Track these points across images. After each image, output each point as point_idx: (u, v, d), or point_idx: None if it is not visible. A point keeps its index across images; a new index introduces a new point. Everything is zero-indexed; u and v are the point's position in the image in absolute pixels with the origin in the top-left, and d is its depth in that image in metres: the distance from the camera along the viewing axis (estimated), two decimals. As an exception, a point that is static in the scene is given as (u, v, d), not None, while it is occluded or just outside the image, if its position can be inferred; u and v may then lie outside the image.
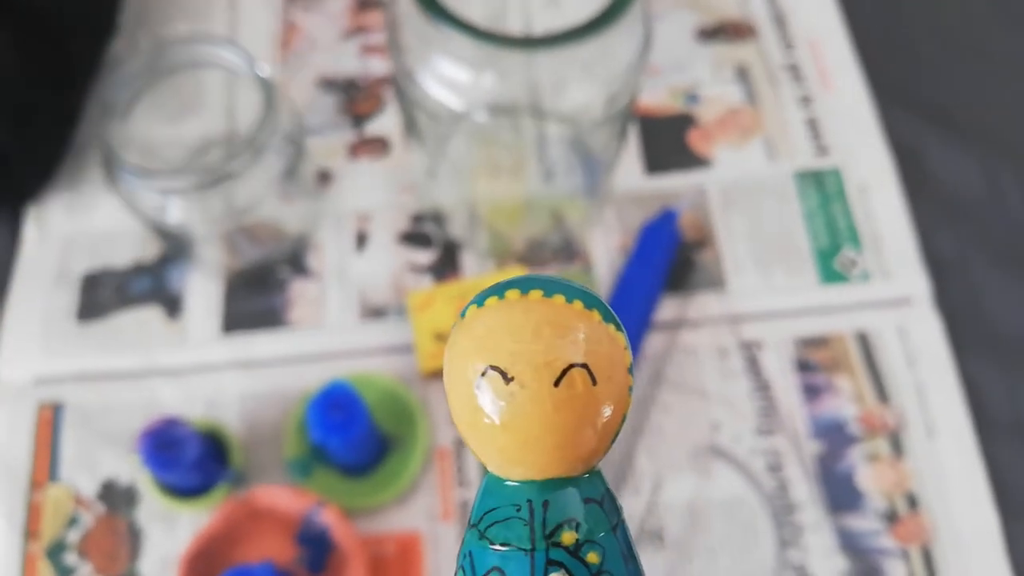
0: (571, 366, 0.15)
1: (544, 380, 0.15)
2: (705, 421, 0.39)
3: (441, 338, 0.40)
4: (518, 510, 0.15)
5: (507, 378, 0.15)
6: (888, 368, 0.40)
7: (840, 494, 0.38)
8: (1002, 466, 0.38)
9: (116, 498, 0.39)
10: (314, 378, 0.40)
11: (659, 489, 0.38)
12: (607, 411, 0.15)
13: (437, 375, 0.40)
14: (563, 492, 0.15)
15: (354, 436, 0.35)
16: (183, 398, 0.41)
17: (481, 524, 0.16)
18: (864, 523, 0.37)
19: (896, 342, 0.41)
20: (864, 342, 0.41)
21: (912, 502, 0.38)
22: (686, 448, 0.39)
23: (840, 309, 0.42)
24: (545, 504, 0.15)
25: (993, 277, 0.43)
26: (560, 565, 0.15)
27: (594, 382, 0.15)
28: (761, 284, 0.42)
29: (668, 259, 0.42)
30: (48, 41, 0.44)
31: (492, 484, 0.16)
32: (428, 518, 0.38)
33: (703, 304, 0.42)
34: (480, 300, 0.16)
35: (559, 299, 0.15)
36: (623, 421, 0.16)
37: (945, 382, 0.40)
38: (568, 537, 0.15)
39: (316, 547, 0.36)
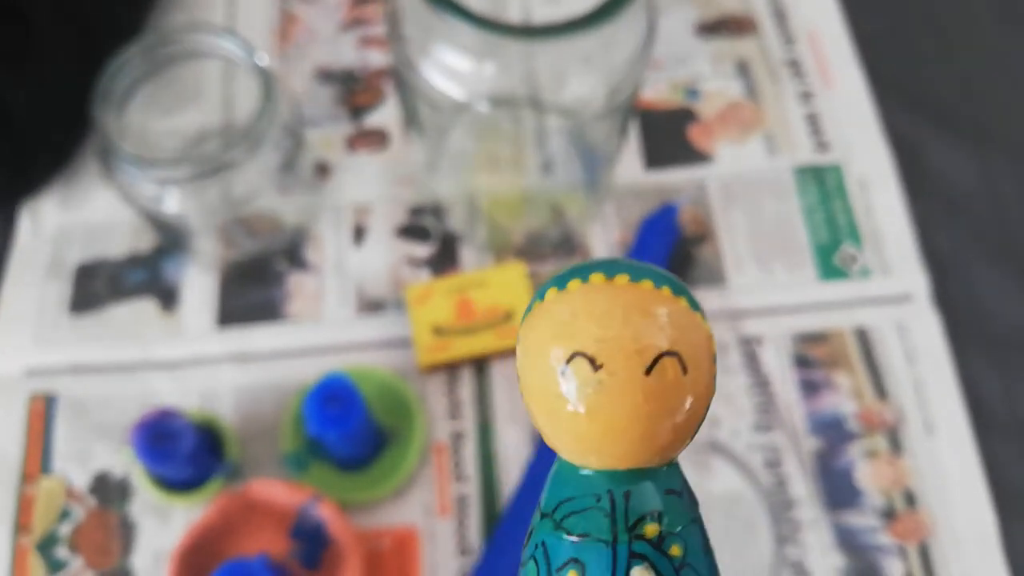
0: (663, 354, 0.14)
1: (635, 368, 0.14)
2: (704, 417, 0.39)
3: (440, 332, 0.40)
4: (598, 500, 0.15)
5: (595, 365, 0.14)
6: (887, 365, 0.40)
7: (838, 491, 0.38)
8: (1000, 463, 0.38)
9: (109, 491, 0.39)
10: (311, 372, 0.40)
11: (657, 485, 0.38)
12: (694, 401, 0.15)
13: (435, 369, 0.40)
14: (644, 483, 0.15)
15: (351, 430, 0.35)
16: (178, 391, 0.41)
17: (556, 514, 0.15)
18: (862, 520, 0.37)
19: (895, 339, 0.41)
20: (863, 338, 0.41)
21: (910, 499, 0.38)
22: (685, 444, 0.39)
23: (839, 305, 0.42)
24: (627, 495, 0.15)
25: (992, 274, 0.43)
26: (643, 558, 0.14)
27: (684, 371, 0.14)
28: (761, 280, 0.42)
29: (667, 254, 0.42)
30: (81, 37, 0.43)
31: (566, 472, 0.15)
32: (425, 513, 0.38)
33: (702, 299, 0.41)
34: (561, 283, 0.15)
35: (647, 284, 0.15)
36: (707, 410, 0.15)
37: (944, 379, 0.40)
38: (651, 529, 0.15)
39: (312, 541, 0.36)
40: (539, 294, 0.15)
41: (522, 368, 0.15)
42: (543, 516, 0.15)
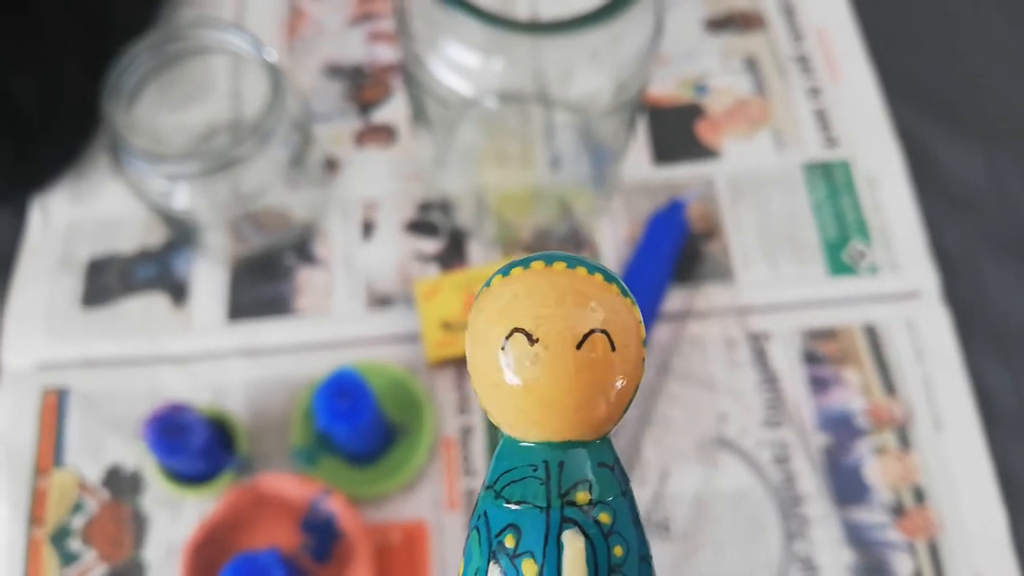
0: (593, 331, 0.15)
1: (567, 342, 0.15)
2: (712, 412, 0.39)
3: (448, 327, 0.40)
4: (534, 470, 0.16)
5: (532, 340, 0.15)
6: (896, 361, 0.40)
7: (847, 487, 0.38)
8: (1009, 460, 0.38)
9: (121, 484, 0.39)
10: (320, 366, 0.40)
11: (666, 480, 0.38)
12: (623, 378, 0.16)
13: (444, 364, 0.40)
14: (577, 454, 0.16)
15: (360, 424, 0.35)
16: (189, 385, 0.41)
17: (497, 484, 0.16)
18: (871, 516, 0.37)
19: (904, 335, 0.41)
20: (872, 335, 0.41)
21: (919, 495, 0.38)
22: (693, 439, 0.39)
23: (848, 301, 0.41)
24: (561, 465, 0.16)
25: (1000, 271, 0.42)
26: (574, 523, 0.15)
27: (613, 348, 0.16)
28: (769, 276, 0.42)
29: (676, 250, 0.42)
30: (92, 32, 0.44)
31: (508, 446, 0.16)
32: (434, 507, 0.38)
33: (711, 295, 0.42)
34: (505, 271, 0.16)
35: (581, 271, 0.16)
36: (636, 391, 0.16)
37: (953, 376, 0.40)
38: (582, 496, 0.16)
39: (322, 535, 0.36)
40: (487, 282, 0.17)
41: (469, 348, 0.16)
42: (486, 488, 0.16)
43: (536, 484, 0.16)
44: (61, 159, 0.46)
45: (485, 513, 0.16)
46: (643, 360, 0.16)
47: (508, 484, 0.16)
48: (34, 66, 0.42)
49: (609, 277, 0.16)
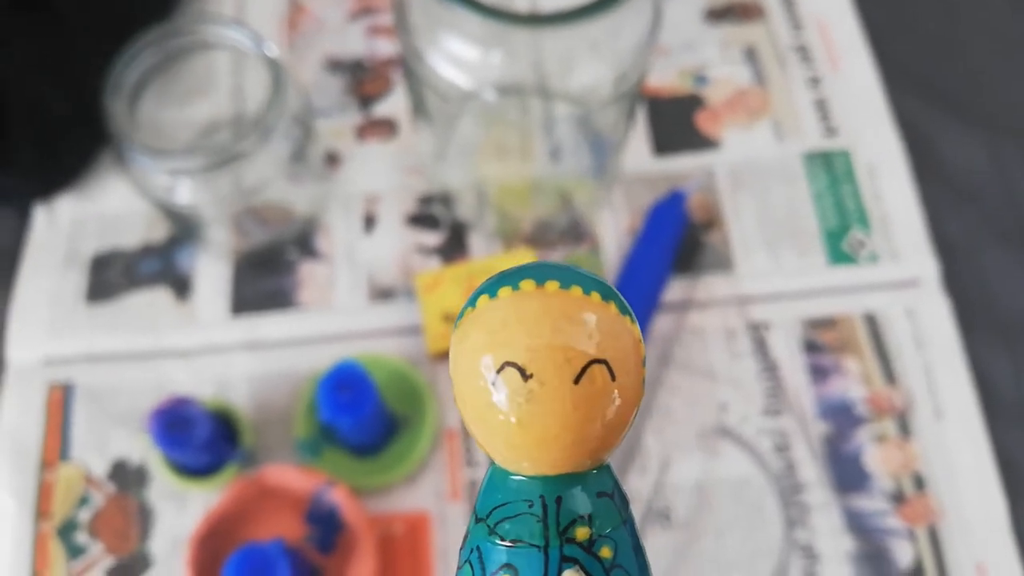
0: (591, 362, 0.14)
1: (564, 377, 0.14)
2: (713, 402, 0.39)
3: (449, 319, 0.40)
4: (530, 506, 0.15)
5: (525, 375, 0.14)
6: (896, 350, 0.40)
7: (847, 475, 0.38)
8: (1009, 447, 0.38)
9: (126, 477, 0.39)
10: (323, 359, 0.40)
11: (667, 469, 0.38)
12: (623, 405, 0.15)
13: (445, 356, 0.40)
14: (576, 487, 0.15)
15: (363, 416, 0.36)
16: (193, 379, 0.41)
17: (490, 519, 0.15)
18: (871, 503, 0.37)
19: (904, 324, 0.41)
20: (872, 323, 0.41)
21: (919, 483, 0.38)
22: (694, 428, 0.39)
23: (848, 290, 0.42)
24: (558, 500, 0.15)
25: (1001, 259, 0.43)
26: (575, 561, 0.15)
27: (613, 378, 0.15)
28: (769, 265, 0.42)
29: (676, 240, 0.42)
30: (114, 25, 0.44)
31: (499, 478, 0.16)
32: (436, 498, 0.38)
33: (711, 285, 0.42)
34: (492, 290, 0.15)
35: (576, 291, 0.15)
36: (636, 414, 0.15)
37: (953, 364, 0.40)
38: (582, 533, 0.15)
39: (326, 526, 0.36)
40: (471, 301, 0.15)
41: (455, 375, 0.15)
42: (478, 520, 0.15)
43: (533, 521, 0.15)
44: (82, 160, 0.46)
45: (478, 548, 0.15)
46: (643, 381, 0.15)
47: (502, 520, 0.15)
48: (65, 75, 0.42)
49: (607, 295, 0.15)
